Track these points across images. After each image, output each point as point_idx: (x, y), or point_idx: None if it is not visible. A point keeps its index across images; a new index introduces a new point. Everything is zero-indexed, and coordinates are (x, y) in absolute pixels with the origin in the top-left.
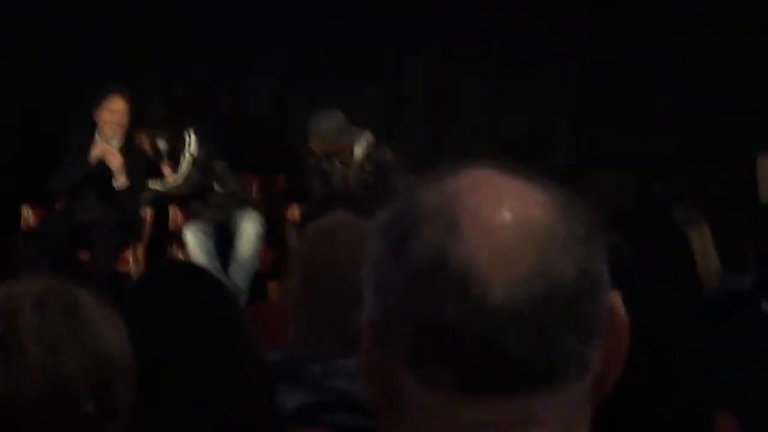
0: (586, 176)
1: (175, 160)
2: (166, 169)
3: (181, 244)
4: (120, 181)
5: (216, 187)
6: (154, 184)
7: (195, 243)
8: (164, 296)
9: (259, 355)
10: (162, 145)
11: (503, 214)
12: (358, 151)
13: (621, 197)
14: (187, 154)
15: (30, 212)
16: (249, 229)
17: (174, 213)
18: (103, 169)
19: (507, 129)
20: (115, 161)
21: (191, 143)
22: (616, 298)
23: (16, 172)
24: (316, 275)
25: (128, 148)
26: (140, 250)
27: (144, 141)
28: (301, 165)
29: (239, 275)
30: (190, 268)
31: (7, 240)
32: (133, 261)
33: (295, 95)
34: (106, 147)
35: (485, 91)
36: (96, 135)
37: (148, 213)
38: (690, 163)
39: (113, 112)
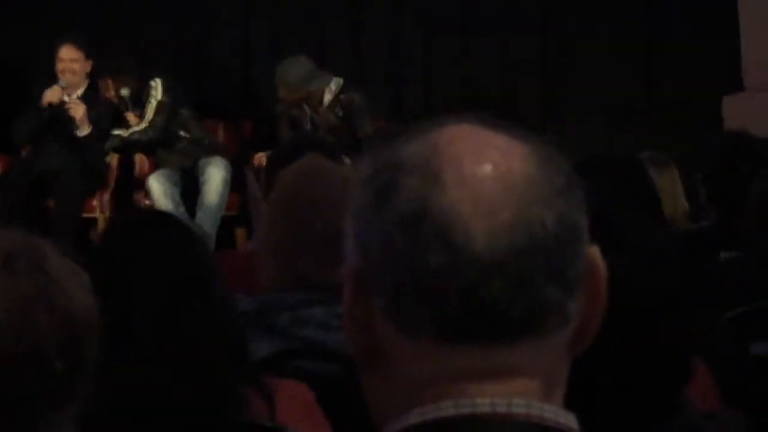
0: (555, 124)
1: (140, 107)
2: (131, 117)
3: (147, 192)
4: (83, 129)
5: (182, 133)
6: (119, 131)
7: (159, 190)
8: (132, 244)
9: (228, 303)
10: (125, 92)
11: (485, 166)
12: (328, 95)
13: (589, 144)
14: (152, 101)
15: None
16: (215, 175)
17: (140, 160)
18: (65, 116)
19: (475, 79)
20: (77, 110)
21: (157, 90)
22: (595, 250)
23: None
24: (292, 219)
25: (91, 96)
26: (106, 197)
27: (108, 88)
28: (269, 110)
29: (206, 221)
30: (157, 215)
31: None
32: (98, 207)
33: (259, 39)
34: (58, 91)
35: (452, 42)
36: (55, 85)
37: (114, 160)
38: (657, 108)
39: (64, 61)
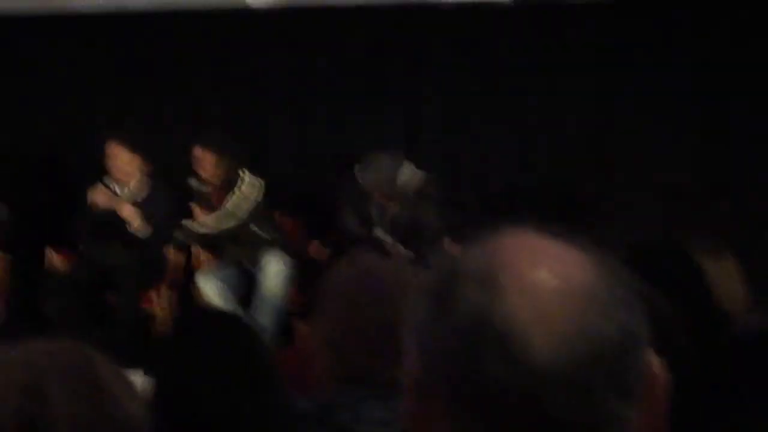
0: (609, 207)
1: (217, 194)
2: (197, 209)
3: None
4: (135, 226)
5: (253, 227)
6: (190, 223)
7: (207, 288)
8: (193, 347)
9: (287, 402)
10: (194, 183)
11: (544, 275)
12: (404, 184)
13: (643, 228)
14: (238, 192)
15: (54, 255)
16: (275, 269)
17: (196, 252)
18: (116, 215)
19: (532, 152)
20: (123, 209)
21: (244, 182)
22: (655, 359)
23: (40, 217)
24: (343, 312)
25: (145, 191)
26: (164, 291)
27: (206, 163)
28: (337, 201)
29: (264, 314)
30: (216, 313)
31: (33, 282)
32: (157, 301)
33: (316, 129)
34: (102, 191)
35: (508, 116)
36: (105, 181)
37: (171, 252)
38: (718, 190)
39: (111, 158)
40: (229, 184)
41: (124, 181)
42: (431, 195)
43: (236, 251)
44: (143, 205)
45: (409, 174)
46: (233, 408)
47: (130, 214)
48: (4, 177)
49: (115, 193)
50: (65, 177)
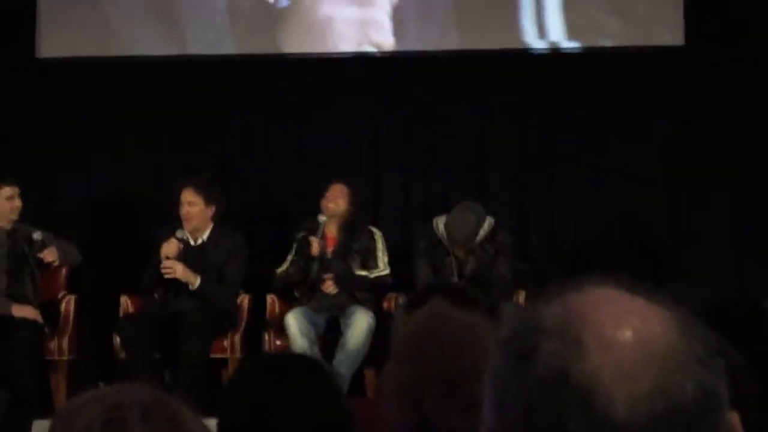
0: (684, 254)
1: (352, 251)
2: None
3: (278, 333)
4: (192, 283)
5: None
6: (364, 272)
7: (296, 327)
8: (265, 387)
9: None
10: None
11: (626, 332)
12: (482, 234)
13: (717, 285)
14: (380, 245)
15: (128, 301)
16: (362, 321)
17: (272, 301)
18: (200, 259)
19: (604, 204)
20: (177, 271)
21: (381, 238)
22: (734, 419)
23: (114, 263)
24: (418, 363)
25: (217, 240)
26: (237, 338)
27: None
28: (413, 252)
29: (345, 364)
30: (292, 357)
31: (108, 327)
32: (229, 349)
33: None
34: (175, 245)
35: (579, 168)
36: (173, 238)
37: (245, 301)
38: None
39: (184, 204)
40: (351, 226)
41: (197, 229)
42: (507, 247)
43: (330, 299)
44: (211, 250)
45: (488, 227)
46: None
47: (184, 275)
48: (79, 223)
49: (187, 243)
50: (140, 224)
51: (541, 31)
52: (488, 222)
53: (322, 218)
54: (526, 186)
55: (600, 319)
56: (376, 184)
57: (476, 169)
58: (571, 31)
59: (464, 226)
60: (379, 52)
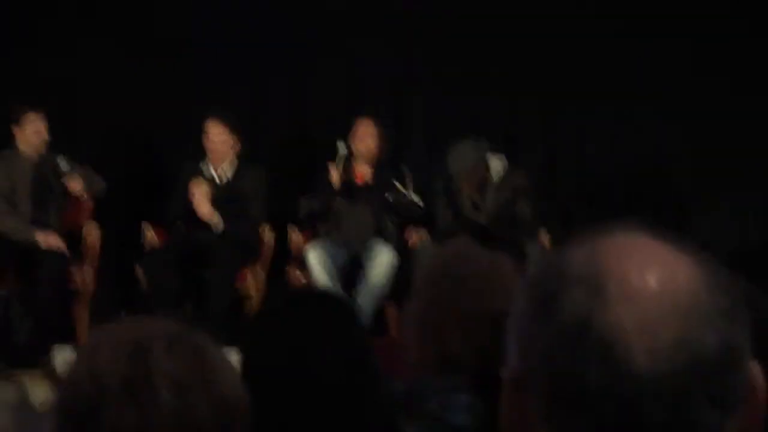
0: (708, 202)
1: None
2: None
3: (301, 266)
4: (215, 223)
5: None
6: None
7: (317, 261)
8: (288, 323)
9: (384, 388)
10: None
11: (649, 282)
12: (495, 176)
13: (745, 222)
14: (409, 183)
15: (151, 231)
16: (384, 258)
17: (295, 234)
18: (226, 194)
19: (631, 142)
20: (201, 208)
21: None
22: (756, 369)
23: (137, 193)
24: (437, 298)
25: (242, 172)
26: (260, 271)
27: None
28: (429, 189)
29: (366, 300)
30: (314, 293)
31: (131, 258)
32: (252, 281)
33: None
34: (202, 183)
35: (606, 110)
36: (201, 169)
37: (267, 233)
38: None
39: (210, 136)
40: (382, 164)
41: (218, 161)
42: (525, 187)
43: (352, 234)
44: (235, 186)
45: (498, 165)
46: (327, 388)
47: (206, 212)
48: (103, 152)
49: (212, 180)
50: (162, 154)
51: None
52: (498, 159)
53: (341, 149)
54: (554, 125)
55: (625, 269)
56: (405, 115)
57: (504, 107)
58: None
59: (460, 157)
60: None
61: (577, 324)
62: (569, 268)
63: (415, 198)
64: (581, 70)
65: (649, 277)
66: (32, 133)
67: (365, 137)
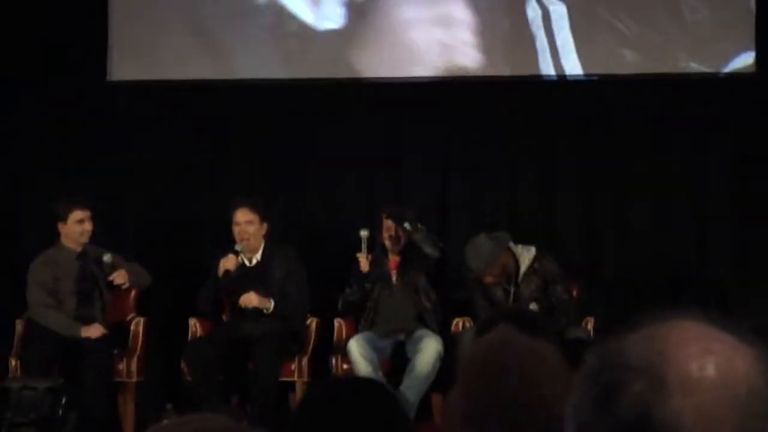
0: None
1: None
2: (363, 259)
3: (345, 357)
4: (267, 308)
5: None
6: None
7: (359, 353)
8: (331, 411)
9: None
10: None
11: (710, 374)
12: (524, 265)
13: None
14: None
15: (197, 324)
16: (431, 346)
17: (339, 325)
18: (254, 282)
19: (673, 233)
20: (251, 300)
21: None
22: None
23: (183, 284)
24: (484, 391)
25: (270, 259)
26: (304, 361)
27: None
28: (465, 283)
29: (412, 390)
30: (359, 381)
31: (177, 350)
32: (297, 372)
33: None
34: (233, 260)
35: (647, 196)
36: (230, 253)
37: (313, 324)
38: None
39: (239, 224)
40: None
41: (252, 249)
42: (556, 273)
43: (393, 323)
44: (274, 270)
45: (525, 254)
46: None
47: (260, 302)
48: (149, 244)
49: (243, 264)
50: (208, 247)
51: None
52: (527, 250)
53: (363, 233)
54: (595, 210)
55: (685, 359)
56: (443, 207)
57: (544, 192)
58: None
59: (476, 253)
60: (452, 77)
61: (638, 416)
62: (628, 358)
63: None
64: (619, 157)
65: (708, 368)
66: (76, 228)
67: (389, 233)
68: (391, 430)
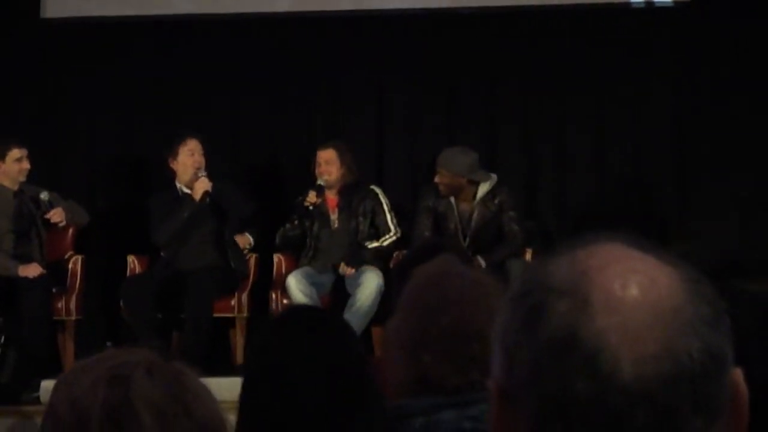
0: (690, 219)
1: (358, 213)
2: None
3: (285, 293)
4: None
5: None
6: (374, 243)
7: (297, 288)
8: (289, 340)
9: (381, 400)
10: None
11: (633, 293)
12: (482, 190)
13: (725, 241)
14: (386, 207)
15: (135, 261)
16: (372, 281)
17: (278, 260)
18: (204, 215)
19: (612, 164)
20: (202, 185)
21: (383, 197)
22: (738, 376)
23: (122, 224)
24: (419, 317)
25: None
26: (244, 297)
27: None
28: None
29: (354, 324)
30: (313, 311)
31: (116, 288)
32: (236, 307)
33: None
34: (205, 182)
35: (587, 127)
36: (176, 183)
37: (252, 259)
38: None
39: (194, 153)
40: (350, 189)
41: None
42: (511, 204)
43: (332, 257)
44: (217, 202)
45: (489, 184)
46: (326, 408)
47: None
48: (87, 182)
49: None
50: (147, 185)
51: None
52: (491, 179)
53: (320, 182)
54: (535, 144)
55: (608, 278)
56: (380, 142)
57: (485, 127)
58: None
59: (452, 155)
60: (382, 10)
61: (565, 336)
62: (554, 280)
63: (392, 224)
64: (558, 90)
65: (632, 287)
66: (14, 167)
67: (327, 165)
68: (347, 357)
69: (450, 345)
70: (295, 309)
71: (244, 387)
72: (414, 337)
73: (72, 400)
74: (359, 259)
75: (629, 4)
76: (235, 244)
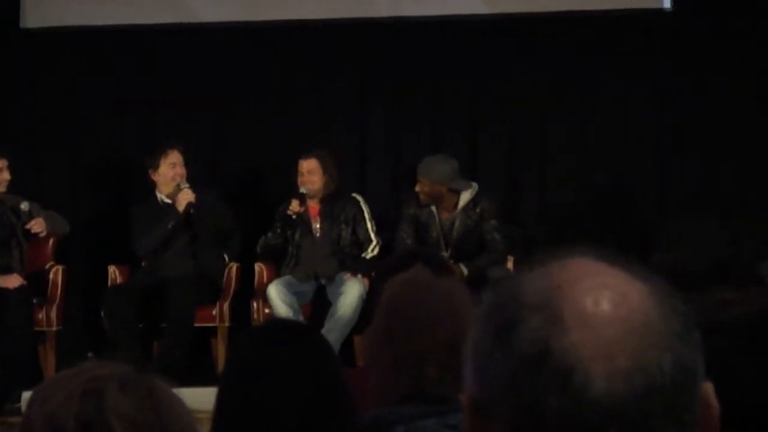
0: (672, 226)
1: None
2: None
3: (266, 302)
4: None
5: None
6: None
7: (278, 298)
8: (264, 356)
9: (356, 416)
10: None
11: (605, 308)
12: (464, 199)
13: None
14: (367, 216)
15: (117, 272)
16: (353, 290)
17: (259, 269)
18: (186, 225)
19: (594, 170)
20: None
21: (365, 205)
22: (708, 389)
23: (103, 234)
24: (400, 332)
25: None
26: (225, 306)
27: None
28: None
29: (335, 333)
30: (289, 325)
31: (91, 294)
32: (217, 317)
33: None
34: (188, 193)
35: (569, 133)
36: (157, 193)
37: (233, 269)
38: None
39: (175, 165)
40: (333, 197)
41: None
42: (492, 213)
43: (314, 266)
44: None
45: (471, 193)
46: (301, 422)
47: (188, 195)
48: (68, 192)
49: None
50: (129, 195)
51: None
52: (472, 187)
53: (302, 190)
54: (517, 151)
55: (580, 294)
56: (363, 150)
57: (468, 135)
58: None
59: (432, 163)
60: (364, 18)
61: (536, 351)
62: (524, 295)
63: (372, 233)
64: (539, 96)
65: (602, 302)
66: None
67: (309, 174)
68: (321, 373)
69: (431, 358)
70: (273, 322)
71: (218, 399)
72: (394, 352)
73: (46, 414)
74: (363, 265)
75: (610, 12)
76: (212, 253)
